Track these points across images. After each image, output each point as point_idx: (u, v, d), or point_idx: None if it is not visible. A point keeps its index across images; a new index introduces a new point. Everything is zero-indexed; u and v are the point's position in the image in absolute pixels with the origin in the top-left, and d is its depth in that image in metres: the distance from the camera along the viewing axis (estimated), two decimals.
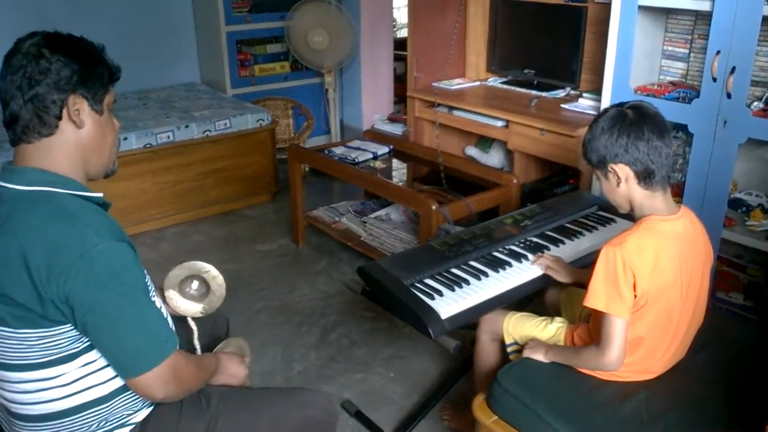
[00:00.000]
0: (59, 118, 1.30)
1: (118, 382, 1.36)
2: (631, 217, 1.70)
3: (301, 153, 3.52)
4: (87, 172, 1.38)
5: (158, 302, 1.42)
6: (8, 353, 1.28)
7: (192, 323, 1.68)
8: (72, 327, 1.26)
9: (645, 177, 1.60)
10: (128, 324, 1.26)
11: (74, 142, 1.33)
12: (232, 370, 1.61)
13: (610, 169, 1.63)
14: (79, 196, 1.31)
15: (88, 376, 1.32)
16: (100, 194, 1.37)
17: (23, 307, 1.23)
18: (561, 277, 1.93)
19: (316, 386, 2.47)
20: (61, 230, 1.22)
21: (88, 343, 1.29)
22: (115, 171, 1.47)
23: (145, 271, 1.38)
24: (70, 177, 1.32)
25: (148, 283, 1.37)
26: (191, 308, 1.67)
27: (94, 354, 1.31)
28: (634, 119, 1.59)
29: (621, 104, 1.65)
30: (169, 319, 1.46)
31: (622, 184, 1.62)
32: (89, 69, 1.32)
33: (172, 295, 1.64)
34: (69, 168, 1.33)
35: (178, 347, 1.34)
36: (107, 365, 1.33)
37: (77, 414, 1.33)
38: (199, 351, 1.68)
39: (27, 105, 1.27)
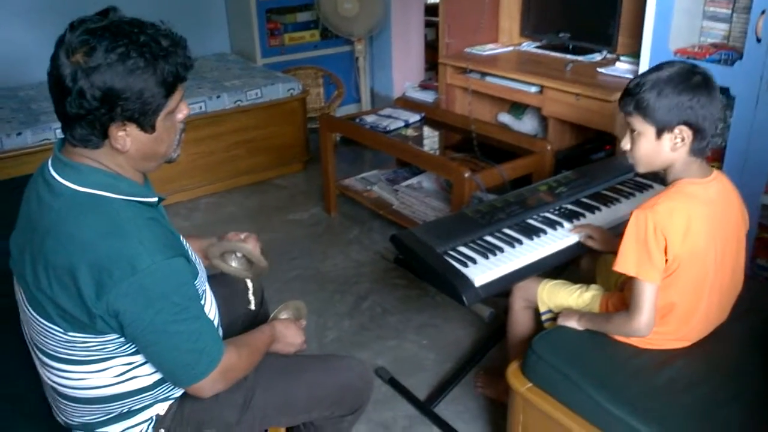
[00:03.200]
0: (104, 138, 1.23)
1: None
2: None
3: (332, 122, 3.51)
4: (141, 170, 1.33)
5: (208, 297, 1.43)
6: (55, 347, 1.29)
7: (248, 282, 1.75)
8: (119, 336, 1.27)
9: (701, 140, 1.55)
10: (178, 342, 1.26)
11: (122, 156, 1.26)
12: (290, 339, 1.60)
13: (677, 129, 1.54)
14: (133, 201, 1.26)
15: (133, 369, 1.33)
16: (155, 198, 1.32)
17: (72, 314, 1.23)
18: (599, 245, 1.90)
19: (350, 353, 2.49)
20: (113, 247, 1.19)
21: (136, 348, 1.30)
22: (174, 159, 1.36)
23: (194, 257, 1.38)
24: (124, 176, 1.27)
25: (198, 284, 1.34)
26: (240, 273, 1.69)
27: (140, 356, 1.32)
28: (703, 81, 1.53)
29: (686, 63, 1.58)
30: (214, 313, 1.45)
31: (679, 146, 1.55)
32: (139, 92, 1.18)
33: (217, 263, 1.66)
34: (120, 169, 1.27)
35: (224, 352, 1.34)
36: None
37: (122, 399, 1.36)
38: (253, 305, 1.75)
39: (71, 123, 1.21)
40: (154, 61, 1.18)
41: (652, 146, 1.59)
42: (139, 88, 1.17)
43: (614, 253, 1.91)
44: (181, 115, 1.31)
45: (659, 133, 1.56)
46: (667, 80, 1.53)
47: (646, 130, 1.58)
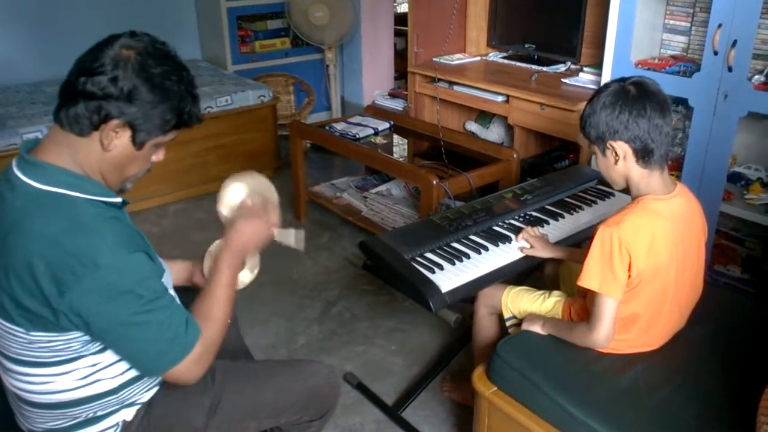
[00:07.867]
0: (95, 128, 1.24)
1: (129, 375, 1.36)
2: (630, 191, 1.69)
3: (302, 129, 3.52)
4: (104, 179, 1.32)
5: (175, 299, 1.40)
6: (18, 350, 1.28)
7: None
8: (84, 334, 1.25)
9: (644, 155, 1.58)
10: (147, 334, 1.25)
11: (98, 153, 1.27)
12: (251, 241, 1.61)
13: (608, 146, 1.60)
14: (97, 201, 1.27)
15: (97, 372, 1.32)
16: (119, 199, 1.33)
17: (35, 313, 1.21)
18: (540, 253, 1.94)
19: (319, 358, 2.50)
20: (75, 243, 1.18)
21: (101, 347, 1.29)
22: (126, 190, 1.41)
23: (159, 259, 1.37)
24: (89, 177, 1.28)
25: (165, 280, 1.34)
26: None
27: (105, 355, 1.31)
28: (636, 96, 1.56)
29: (623, 79, 1.61)
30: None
31: (620, 161, 1.60)
32: (155, 109, 1.25)
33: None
34: (88, 168, 1.28)
35: (200, 332, 1.32)
36: (118, 360, 1.33)
37: (86, 404, 1.35)
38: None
39: (76, 99, 1.22)
40: (184, 95, 1.29)
41: (603, 163, 1.66)
42: (158, 105, 1.26)
43: (572, 259, 1.97)
44: (155, 158, 1.37)
45: (602, 151, 1.64)
46: (599, 101, 1.60)
47: (593, 148, 1.67)
